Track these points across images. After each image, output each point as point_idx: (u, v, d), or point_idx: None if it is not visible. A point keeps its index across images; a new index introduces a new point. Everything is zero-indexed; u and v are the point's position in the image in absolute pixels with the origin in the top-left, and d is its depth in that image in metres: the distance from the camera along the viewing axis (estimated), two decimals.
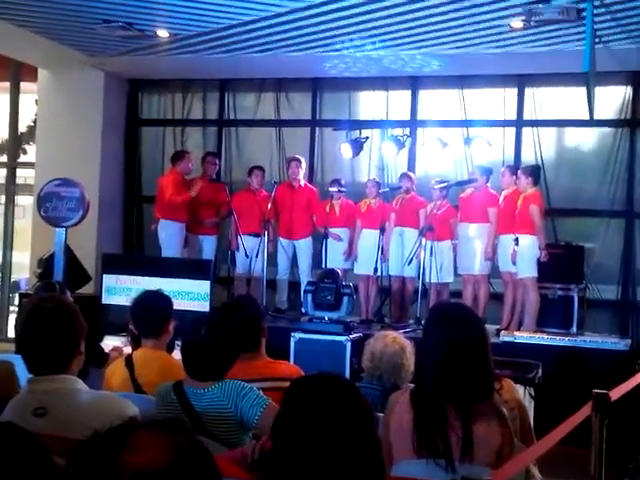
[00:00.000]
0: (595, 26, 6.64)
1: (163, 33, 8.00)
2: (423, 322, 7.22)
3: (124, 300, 6.74)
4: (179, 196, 8.50)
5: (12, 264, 10.74)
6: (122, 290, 7.32)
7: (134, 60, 9.12)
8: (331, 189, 8.60)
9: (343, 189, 8.67)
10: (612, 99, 8.72)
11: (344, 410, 1.75)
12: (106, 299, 7.43)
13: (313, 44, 8.10)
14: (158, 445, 1.45)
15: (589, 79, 6.96)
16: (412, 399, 2.76)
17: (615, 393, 3.74)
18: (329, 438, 1.69)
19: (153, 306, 3.87)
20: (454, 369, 2.70)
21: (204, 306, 7.39)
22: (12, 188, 10.72)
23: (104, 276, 7.80)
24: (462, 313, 2.98)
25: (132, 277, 7.47)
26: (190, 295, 7.34)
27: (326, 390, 1.79)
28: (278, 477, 1.74)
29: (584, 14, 6.50)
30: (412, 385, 2.90)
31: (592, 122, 8.14)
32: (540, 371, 6.01)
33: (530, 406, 4.82)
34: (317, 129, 9.89)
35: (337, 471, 1.68)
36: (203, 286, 7.50)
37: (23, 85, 10.71)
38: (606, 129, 8.82)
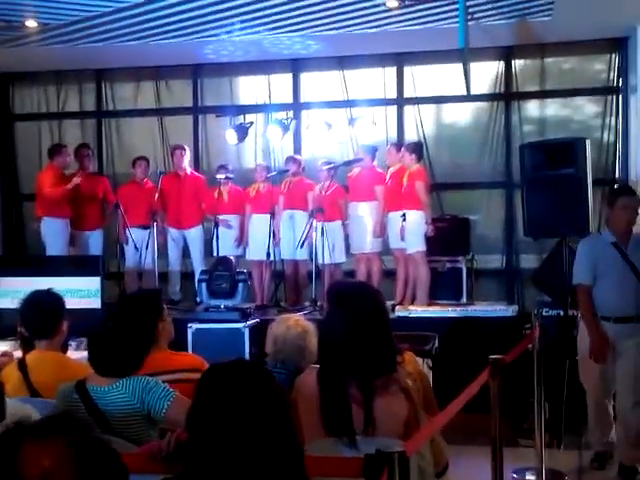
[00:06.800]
0: (467, 3, 6.81)
1: (31, 23, 7.68)
2: (319, 304, 7.38)
3: (10, 303, 6.47)
4: (57, 189, 8.23)
5: None
6: (7, 293, 7.02)
7: (3, 53, 8.70)
8: (218, 176, 8.53)
9: (230, 175, 8.60)
10: (486, 74, 8.98)
11: (260, 395, 1.76)
12: None
13: (189, 30, 7.94)
14: (51, 450, 1.41)
15: (464, 55, 7.15)
16: (318, 379, 2.78)
17: (508, 357, 3.89)
18: (247, 424, 1.70)
19: (44, 306, 3.74)
20: (356, 345, 2.74)
21: (95, 303, 7.23)
22: None
23: None
24: (359, 289, 3.04)
25: (18, 278, 7.17)
26: (80, 293, 7.17)
27: (241, 376, 1.79)
28: (197, 467, 1.73)
29: None
30: (317, 366, 2.92)
31: (469, 97, 8.41)
32: (437, 342, 6.17)
33: (429, 377, 4.94)
34: (200, 116, 9.75)
35: (256, 455, 1.69)
36: (93, 283, 7.39)
37: None
38: (482, 103, 9.06)
